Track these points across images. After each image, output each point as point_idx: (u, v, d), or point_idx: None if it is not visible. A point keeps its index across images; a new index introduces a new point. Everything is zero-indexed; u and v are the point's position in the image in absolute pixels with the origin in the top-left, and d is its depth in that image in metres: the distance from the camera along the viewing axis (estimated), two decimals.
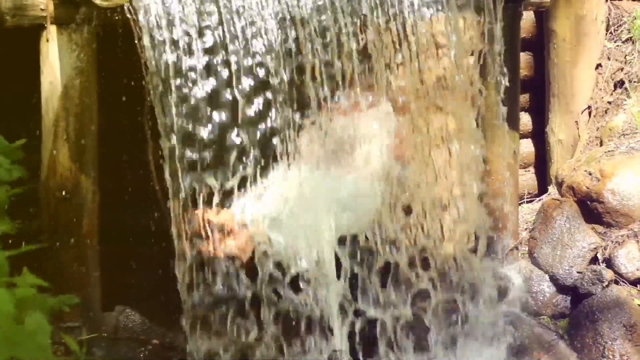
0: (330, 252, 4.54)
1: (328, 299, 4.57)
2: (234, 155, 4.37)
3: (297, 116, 4.41)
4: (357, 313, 4.71)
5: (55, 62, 4.44)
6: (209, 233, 4.38)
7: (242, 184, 4.43)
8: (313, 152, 4.51)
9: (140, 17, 4.12)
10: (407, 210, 4.79)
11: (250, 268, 4.48)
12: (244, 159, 4.39)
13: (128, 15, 4.16)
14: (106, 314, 4.82)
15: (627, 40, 6.25)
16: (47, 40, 4.42)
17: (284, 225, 4.46)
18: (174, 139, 4.23)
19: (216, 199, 4.36)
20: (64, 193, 4.55)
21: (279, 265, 4.50)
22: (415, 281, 4.84)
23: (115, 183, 4.97)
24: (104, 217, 4.79)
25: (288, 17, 4.35)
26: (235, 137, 4.37)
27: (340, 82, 4.48)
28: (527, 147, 6.46)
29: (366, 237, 4.66)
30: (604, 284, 5.23)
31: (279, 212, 4.46)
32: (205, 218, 4.35)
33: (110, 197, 4.89)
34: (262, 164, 4.40)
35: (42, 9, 4.36)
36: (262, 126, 4.39)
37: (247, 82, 4.33)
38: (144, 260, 5.13)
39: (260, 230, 4.46)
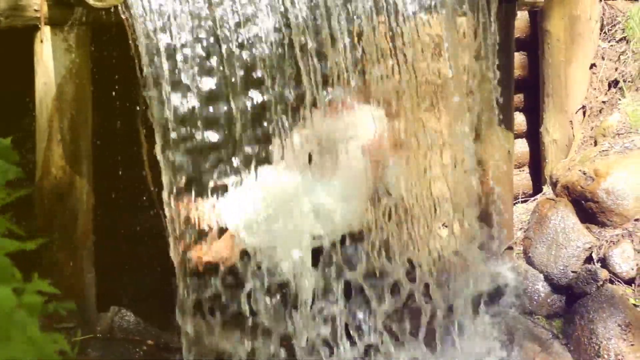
0: (308, 257, 4.53)
1: (304, 305, 4.56)
2: (221, 156, 4.39)
3: (284, 118, 4.42)
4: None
5: (49, 63, 4.44)
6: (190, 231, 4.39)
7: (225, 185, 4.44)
8: (296, 155, 4.51)
9: (134, 17, 4.12)
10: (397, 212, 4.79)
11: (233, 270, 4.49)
12: (230, 160, 4.40)
13: (122, 16, 4.16)
14: (101, 315, 4.81)
15: (621, 39, 6.26)
16: (41, 41, 4.41)
17: (261, 229, 4.46)
18: (168, 139, 4.23)
19: (198, 198, 4.37)
20: (58, 194, 4.54)
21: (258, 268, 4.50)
22: (406, 283, 4.86)
23: (109, 184, 4.96)
24: (99, 217, 4.78)
25: (283, 18, 4.35)
26: (226, 137, 4.38)
27: (331, 83, 4.48)
28: (521, 146, 6.46)
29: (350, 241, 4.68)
30: (599, 284, 5.24)
31: (257, 215, 4.46)
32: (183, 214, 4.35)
33: (105, 198, 4.89)
34: (247, 165, 4.42)
35: (36, 10, 4.35)
36: (250, 127, 4.40)
37: (239, 83, 4.34)
38: (139, 260, 5.13)
39: (238, 234, 4.46)
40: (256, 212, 4.44)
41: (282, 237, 4.48)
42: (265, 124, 4.40)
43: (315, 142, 4.59)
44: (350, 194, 4.66)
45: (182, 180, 4.31)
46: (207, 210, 4.38)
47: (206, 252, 4.41)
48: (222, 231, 4.45)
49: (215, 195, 4.39)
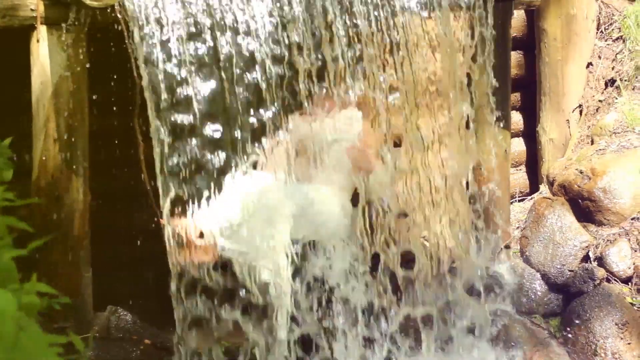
0: (285, 261, 4.50)
1: (279, 313, 4.54)
2: (211, 157, 4.39)
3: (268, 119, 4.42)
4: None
5: (46, 62, 4.43)
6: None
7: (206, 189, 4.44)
8: (278, 158, 4.49)
9: (131, 16, 4.12)
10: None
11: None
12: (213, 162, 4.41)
13: (118, 15, 4.16)
14: (98, 314, 4.81)
15: (617, 38, 6.26)
16: (38, 41, 4.41)
17: (241, 233, 4.44)
18: (164, 138, 4.23)
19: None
20: (55, 193, 4.54)
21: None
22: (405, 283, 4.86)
23: (106, 183, 4.96)
24: (96, 217, 4.78)
25: (277, 15, 4.36)
26: (217, 137, 4.39)
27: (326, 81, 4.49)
28: (518, 146, 6.47)
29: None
30: (596, 282, 5.24)
31: (237, 219, 4.44)
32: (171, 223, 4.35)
33: (102, 198, 4.89)
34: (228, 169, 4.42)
35: (32, 10, 4.34)
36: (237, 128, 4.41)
37: (233, 85, 4.35)
38: (135, 260, 5.13)
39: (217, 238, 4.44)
40: (235, 216, 4.43)
41: (260, 241, 4.46)
42: (251, 124, 4.41)
43: (298, 145, 4.58)
44: (332, 198, 4.63)
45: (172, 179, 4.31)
46: (190, 214, 4.36)
47: (188, 256, 4.40)
48: (202, 235, 4.43)
49: (197, 199, 4.38)
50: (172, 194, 4.26)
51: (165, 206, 4.26)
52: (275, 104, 4.40)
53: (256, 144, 4.42)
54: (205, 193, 4.36)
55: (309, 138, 4.62)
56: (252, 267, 4.46)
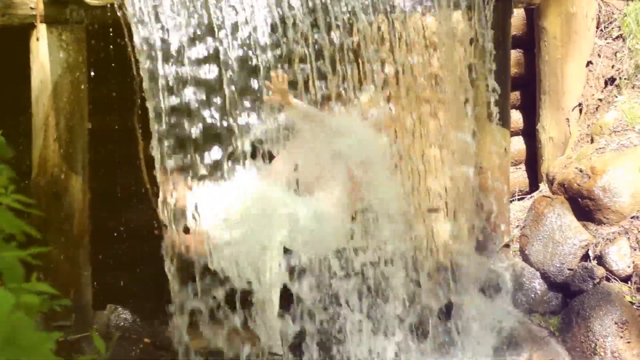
0: (274, 273, 4.48)
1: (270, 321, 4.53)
2: (211, 152, 4.39)
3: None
4: None
5: (45, 60, 4.43)
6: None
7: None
8: (283, 166, 4.49)
9: (131, 15, 4.12)
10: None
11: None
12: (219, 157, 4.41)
13: (118, 14, 4.16)
14: (97, 313, 4.81)
15: (617, 37, 6.26)
16: (37, 39, 4.41)
17: (233, 230, 4.43)
18: (163, 136, 4.24)
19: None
20: (54, 192, 4.54)
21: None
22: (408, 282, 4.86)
23: (105, 181, 4.96)
24: (95, 215, 4.78)
25: (277, 15, 4.36)
26: (217, 135, 4.39)
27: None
28: (518, 144, 6.46)
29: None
30: (595, 281, 5.24)
31: (232, 210, 4.43)
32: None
33: (101, 196, 4.89)
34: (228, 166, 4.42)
35: (32, 8, 4.35)
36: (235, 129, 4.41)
37: (231, 82, 4.35)
38: (135, 258, 5.13)
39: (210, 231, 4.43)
40: (231, 212, 4.42)
41: (251, 242, 4.44)
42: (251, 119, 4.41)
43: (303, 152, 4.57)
44: (330, 213, 4.60)
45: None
46: (189, 201, 4.36)
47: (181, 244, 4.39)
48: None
49: (196, 188, 4.37)
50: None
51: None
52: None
53: (257, 139, 4.43)
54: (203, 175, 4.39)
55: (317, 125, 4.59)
56: (235, 261, 4.44)
